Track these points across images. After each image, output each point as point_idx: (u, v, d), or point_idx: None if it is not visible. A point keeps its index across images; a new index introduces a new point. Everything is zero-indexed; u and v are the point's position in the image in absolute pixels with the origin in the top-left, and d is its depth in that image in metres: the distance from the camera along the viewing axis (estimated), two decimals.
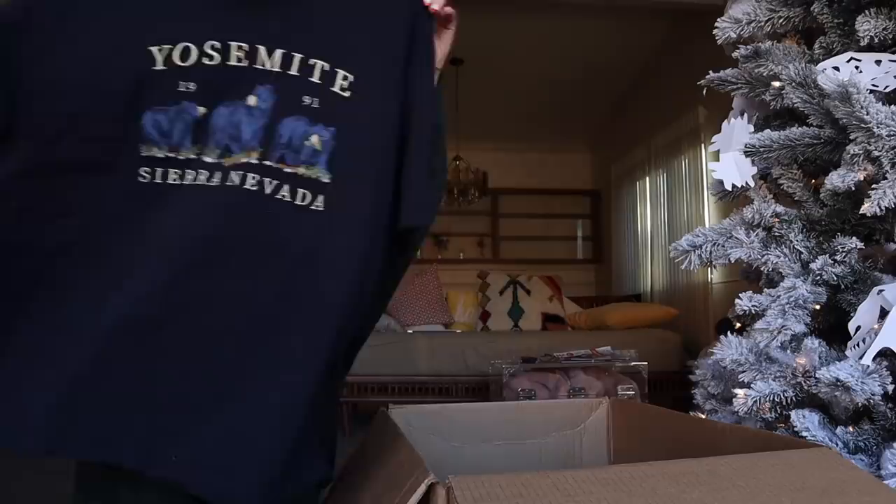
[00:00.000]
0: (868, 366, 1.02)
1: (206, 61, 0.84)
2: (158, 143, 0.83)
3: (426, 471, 0.67)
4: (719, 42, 1.43)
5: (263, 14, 0.87)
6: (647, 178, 5.14)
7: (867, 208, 1.07)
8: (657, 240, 4.98)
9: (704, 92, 1.50)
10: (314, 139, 0.86)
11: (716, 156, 1.40)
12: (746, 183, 1.33)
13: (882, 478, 0.98)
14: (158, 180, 0.83)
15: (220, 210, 0.83)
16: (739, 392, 1.17)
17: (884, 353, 1.02)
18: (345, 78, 0.88)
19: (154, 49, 0.83)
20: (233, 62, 0.85)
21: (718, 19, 1.42)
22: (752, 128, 1.35)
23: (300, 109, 0.86)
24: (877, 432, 1.07)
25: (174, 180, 0.83)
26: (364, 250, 0.89)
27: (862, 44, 1.21)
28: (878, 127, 1.06)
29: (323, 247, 0.86)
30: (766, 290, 1.23)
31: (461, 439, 1.09)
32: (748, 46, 1.39)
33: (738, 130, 1.35)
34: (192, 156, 0.84)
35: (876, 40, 1.20)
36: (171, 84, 0.83)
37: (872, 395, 1.01)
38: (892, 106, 1.08)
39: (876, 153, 1.07)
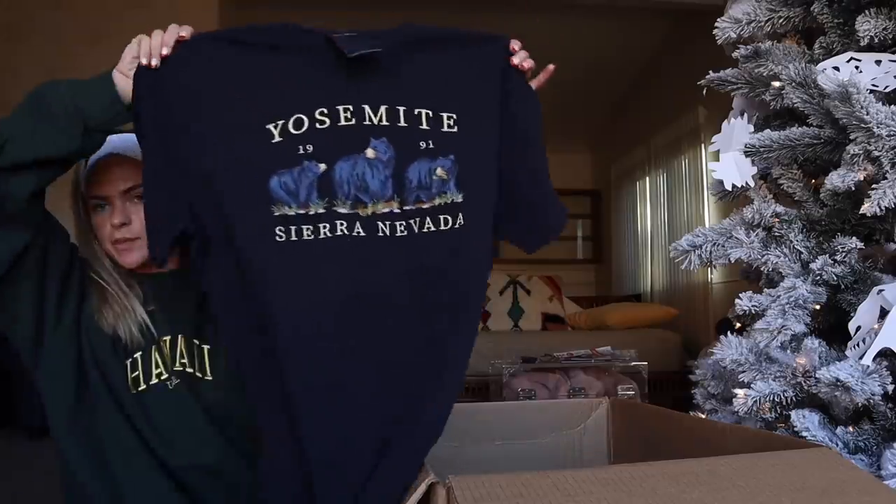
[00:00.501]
0: (868, 366, 1.02)
1: (317, 126, 0.93)
2: (288, 202, 0.90)
3: (426, 470, 0.67)
4: (719, 42, 1.43)
5: (365, 76, 0.95)
6: (647, 178, 5.13)
7: (867, 208, 1.07)
8: (657, 240, 4.97)
9: (704, 92, 1.49)
10: (440, 171, 0.95)
11: (716, 156, 1.40)
12: (746, 183, 1.33)
13: (882, 478, 0.99)
14: (294, 238, 0.90)
15: (377, 261, 0.92)
16: (739, 392, 1.17)
17: (884, 353, 1.02)
18: (449, 118, 0.97)
19: (270, 126, 0.91)
20: (342, 123, 0.93)
21: (718, 19, 1.42)
22: (752, 128, 1.35)
23: (420, 153, 0.95)
24: (877, 432, 1.07)
25: (308, 236, 0.90)
26: (490, 255, 1.01)
27: (862, 44, 1.21)
28: (878, 127, 1.06)
29: (473, 256, 0.96)
30: (766, 290, 1.23)
31: (461, 439, 1.09)
32: (748, 46, 1.39)
33: (738, 130, 1.35)
34: (322, 210, 0.91)
35: (876, 40, 1.20)
36: (290, 150, 0.92)
37: (872, 395, 1.01)
38: (892, 106, 1.07)
39: (876, 153, 1.07)
